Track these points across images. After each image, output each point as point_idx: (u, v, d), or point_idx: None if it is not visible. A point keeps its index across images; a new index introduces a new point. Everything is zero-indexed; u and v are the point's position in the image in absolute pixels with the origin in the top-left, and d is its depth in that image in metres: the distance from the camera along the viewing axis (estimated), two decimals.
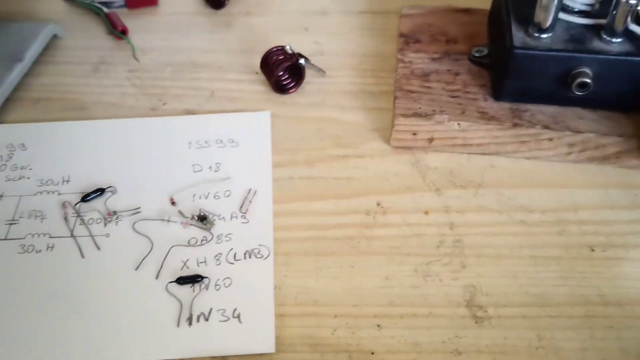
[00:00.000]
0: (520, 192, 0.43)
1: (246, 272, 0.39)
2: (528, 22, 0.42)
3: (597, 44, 0.41)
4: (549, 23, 0.41)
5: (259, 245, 0.40)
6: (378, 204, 0.42)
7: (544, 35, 0.42)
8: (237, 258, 0.39)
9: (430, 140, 0.44)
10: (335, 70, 0.51)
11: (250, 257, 0.39)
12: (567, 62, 0.41)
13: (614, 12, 0.40)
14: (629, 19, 0.40)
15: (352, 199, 0.43)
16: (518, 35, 0.42)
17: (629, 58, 0.41)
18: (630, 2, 0.40)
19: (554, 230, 0.41)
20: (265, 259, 0.39)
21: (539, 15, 0.41)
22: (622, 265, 0.39)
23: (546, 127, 0.43)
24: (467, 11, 0.52)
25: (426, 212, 0.42)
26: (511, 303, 0.37)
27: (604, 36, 0.41)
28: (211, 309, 0.37)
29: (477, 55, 0.47)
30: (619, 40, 0.41)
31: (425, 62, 0.47)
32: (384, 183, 0.44)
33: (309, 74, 0.51)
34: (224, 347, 0.35)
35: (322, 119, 0.48)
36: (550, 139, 0.43)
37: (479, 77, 0.46)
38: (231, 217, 0.41)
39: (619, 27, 0.41)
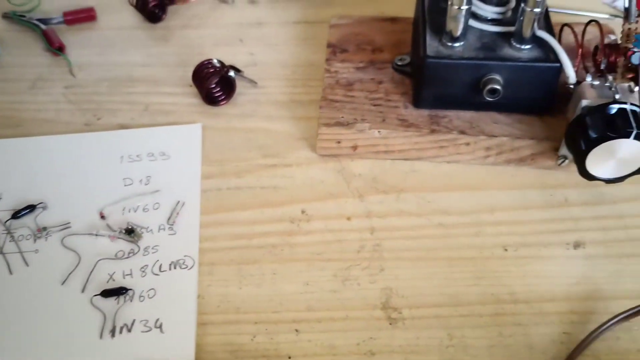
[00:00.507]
0: (439, 195, 0.44)
1: (170, 283, 0.40)
2: (442, 31, 0.44)
3: (507, 51, 0.43)
4: (459, 32, 0.43)
5: (185, 256, 0.41)
6: (303, 212, 0.44)
7: (457, 44, 0.43)
8: (162, 269, 0.40)
9: (354, 147, 0.46)
10: (268, 81, 0.53)
11: (175, 267, 0.41)
12: (478, 69, 0.43)
13: (521, 19, 0.42)
14: (535, 25, 0.42)
15: (278, 208, 0.44)
16: (432, 45, 0.44)
17: (537, 64, 0.42)
18: (534, 10, 0.41)
19: (470, 231, 0.42)
20: (189, 269, 0.40)
21: (449, 25, 0.43)
22: (533, 264, 0.41)
23: (462, 132, 0.44)
24: (393, 20, 0.53)
25: (349, 218, 0.43)
26: (425, 304, 0.39)
27: (514, 43, 0.43)
28: (134, 320, 0.38)
29: (399, 63, 0.49)
30: (528, 47, 0.43)
31: (351, 72, 0.49)
32: (309, 191, 0.45)
33: (241, 85, 0.52)
34: (145, 356, 0.36)
35: (252, 130, 0.49)
36: (467, 144, 0.45)
37: (401, 85, 0.48)
38: (159, 230, 0.43)
39: (526, 34, 0.42)
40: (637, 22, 0.39)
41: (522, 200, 0.44)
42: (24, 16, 0.58)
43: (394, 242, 0.42)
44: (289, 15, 0.59)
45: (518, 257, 0.41)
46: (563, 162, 0.44)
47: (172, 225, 0.43)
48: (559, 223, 0.43)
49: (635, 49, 0.39)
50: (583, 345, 0.36)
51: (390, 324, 0.38)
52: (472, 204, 0.44)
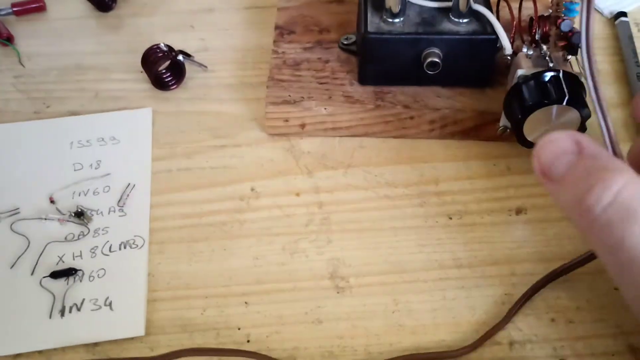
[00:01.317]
0: (386, 169, 0.45)
1: (120, 263, 0.40)
2: (382, 8, 0.45)
3: (445, 25, 0.44)
4: (398, 8, 0.44)
5: (135, 236, 0.42)
6: (252, 190, 0.44)
7: (397, 20, 0.44)
8: (112, 250, 0.41)
9: (303, 125, 0.47)
10: (218, 65, 0.53)
11: (125, 247, 0.41)
12: (418, 43, 0.44)
13: None
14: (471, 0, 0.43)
15: (227, 186, 0.45)
16: (373, 21, 0.45)
17: (474, 37, 0.44)
18: None
19: (415, 202, 0.43)
20: (140, 248, 0.41)
21: (388, 2, 0.44)
22: (477, 231, 0.42)
23: (406, 106, 0.45)
24: (340, 1, 0.54)
25: (297, 194, 0.44)
26: (371, 272, 0.40)
27: (452, 17, 0.44)
28: (84, 299, 0.38)
29: (345, 42, 0.49)
30: (465, 20, 0.44)
31: (298, 52, 0.50)
32: (258, 169, 0.46)
33: (192, 69, 0.52)
34: (95, 334, 0.37)
35: (202, 112, 0.50)
36: (412, 117, 0.46)
37: (347, 63, 0.49)
38: (109, 212, 0.43)
39: (463, 8, 0.44)
40: None
41: (466, 171, 0.45)
42: None
43: (342, 215, 0.43)
44: (240, 1, 0.60)
45: (462, 225, 0.42)
46: (504, 132, 0.45)
47: (122, 207, 0.43)
48: (501, 191, 0.44)
49: (565, 17, 0.40)
50: (521, 301, 0.37)
51: (338, 292, 0.39)
52: (417, 176, 0.45)
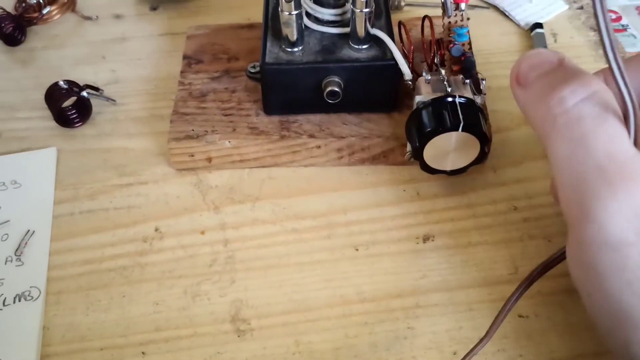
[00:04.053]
0: (294, 200, 0.44)
1: (14, 317, 0.39)
2: (281, 37, 0.44)
3: (346, 52, 0.43)
4: (295, 37, 0.43)
5: (30, 287, 0.40)
6: (156, 230, 0.43)
7: (296, 49, 0.43)
8: (6, 303, 0.39)
9: (209, 159, 0.46)
10: (128, 98, 0.52)
11: (20, 300, 0.39)
12: (317, 72, 0.43)
13: (354, 19, 0.42)
14: (368, 25, 0.42)
15: (130, 228, 0.43)
16: (272, 51, 0.44)
17: (374, 63, 0.43)
18: (363, 10, 0.41)
19: (323, 234, 0.42)
20: (34, 300, 0.39)
21: (285, 30, 0.43)
22: (383, 261, 0.41)
23: (312, 135, 0.44)
24: (250, 26, 0.53)
25: (202, 232, 0.43)
26: (274, 312, 0.39)
27: (352, 44, 0.43)
28: None
29: (252, 70, 0.48)
30: (365, 46, 0.43)
31: (205, 83, 0.49)
32: (164, 207, 0.44)
33: (100, 104, 0.51)
34: None
35: (109, 149, 0.48)
36: (319, 147, 0.45)
37: (254, 92, 0.47)
38: (6, 262, 0.41)
39: (361, 33, 0.43)
40: (455, 15, 0.40)
41: (375, 198, 0.44)
42: None
43: (247, 252, 0.42)
44: (154, 28, 0.58)
45: (368, 256, 0.41)
46: (411, 157, 0.44)
47: (19, 256, 0.42)
48: (410, 217, 0.43)
49: (456, 42, 0.40)
50: (502, 314, 0.34)
51: (239, 336, 0.38)
52: (325, 206, 0.44)
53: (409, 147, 0.44)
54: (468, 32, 0.41)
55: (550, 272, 0.38)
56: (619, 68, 0.27)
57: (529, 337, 0.37)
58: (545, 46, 0.54)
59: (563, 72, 0.30)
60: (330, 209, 0.44)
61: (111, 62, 0.55)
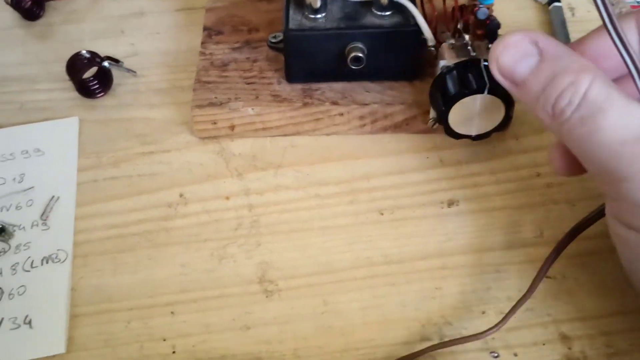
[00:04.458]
0: (317, 167, 0.44)
1: (42, 278, 0.39)
2: (304, 4, 0.44)
3: (368, 19, 0.44)
4: (319, 4, 0.43)
5: (57, 250, 0.40)
6: (180, 195, 0.43)
7: (319, 16, 0.44)
8: (34, 265, 0.40)
9: (232, 127, 0.46)
10: (148, 70, 0.52)
11: (47, 262, 0.40)
12: (341, 38, 0.43)
13: None
14: None
15: (155, 194, 0.43)
16: (295, 18, 0.44)
17: (396, 29, 0.43)
18: None
19: (346, 200, 0.43)
20: (62, 262, 0.40)
21: None
22: (408, 225, 0.41)
23: (334, 103, 0.45)
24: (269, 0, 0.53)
25: (227, 198, 0.43)
26: (300, 274, 0.39)
27: (375, 11, 0.44)
28: (2, 318, 0.37)
29: (273, 40, 0.48)
30: (388, 13, 0.44)
31: (226, 53, 0.49)
32: (187, 174, 0.44)
33: (121, 75, 0.51)
34: (14, 354, 0.36)
35: (130, 119, 0.48)
36: (341, 114, 0.45)
37: (275, 62, 0.48)
38: (32, 226, 0.42)
39: (384, 1, 0.43)
40: None
41: (398, 165, 0.44)
42: None
43: (271, 216, 0.42)
44: (171, 4, 0.58)
45: (393, 220, 0.41)
46: (434, 124, 0.44)
47: (45, 220, 0.42)
48: (433, 184, 0.43)
49: (481, 5, 0.40)
50: (545, 266, 0.36)
51: (267, 297, 0.38)
52: (348, 173, 0.44)
53: (432, 114, 0.44)
54: None
55: None
56: (616, 30, 0.28)
57: (556, 297, 0.37)
58: (563, 20, 0.54)
59: (551, 72, 0.30)
60: (353, 176, 0.44)
61: (130, 36, 0.55)
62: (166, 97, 0.50)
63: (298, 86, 0.46)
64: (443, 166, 0.44)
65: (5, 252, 0.40)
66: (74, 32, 0.56)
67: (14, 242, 0.41)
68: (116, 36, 0.56)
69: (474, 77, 0.39)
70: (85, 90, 0.49)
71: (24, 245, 0.41)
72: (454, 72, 0.40)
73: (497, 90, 0.39)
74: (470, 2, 0.41)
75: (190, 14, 0.57)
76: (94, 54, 0.49)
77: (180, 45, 0.54)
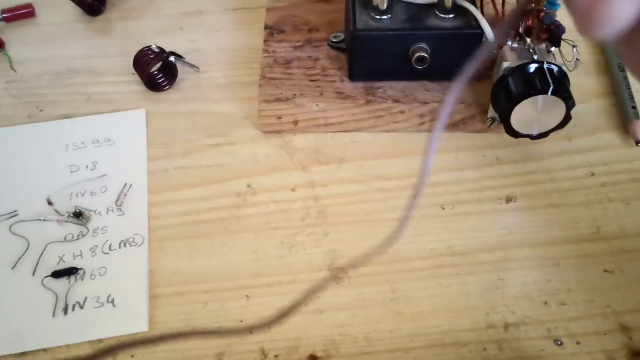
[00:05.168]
0: (378, 162, 0.46)
1: (121, 260, 0.41)
2: (370, 6, 0.46)
3: (432, 20, 0.45)
4: (385, 5, 0.45)
5: (134, 234, 0.42)
6: (248, 186, 0.45)
7: (384, 17, 0.45)
8: (112, 248, 0.41)
9: (295, 122, 0.47)
10: (209, 66, 0.54)
11: (125, 246, 0.41)
12: (406, 39, 0.45)
13: None
14: None
15: (224, 184, 0.45)
16: (362, 19, 0.46)
17: (460, 31, 0.45)
18: None
19: (408, 194, 0.44)
20: (139, 246, 0.41)
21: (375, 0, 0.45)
22: (469, 219, 0.43)
23: (396, 100, 0.46)
24: (327, 1, 0.55)
25: (293, 189, 0.45)
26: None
27: (438, 13, 0.46)
28: (86, 297, 0.39)
29: (334, 40, 0.50)
30: (451, 16, 0.45)
31: (288, 51, 0.51)
32: (253, 166, 0.46)
33: (183, 70, 0.53)
34: (99, 331, 0.37)
35: (195, 112, 0.50)
36: (402, 112, 0.47)
37: (337, 60, 0.49)
38: (107, 211, 0.43)
39: (448, 4, 0.45)
40: None
41: (456, 162, 0.46)
42: None
43: (337, 208, 0.44)
44: (228, 3, 0.60)
45: (454, 214, 0.43)
46: (492, 123, 0.46)
47: (120, 206, 0.44)
48: (491, 180, 0.45)
49: (547, 10, 0.42)
50: None
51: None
52: (409, 168, 0.46)
53: (490, 114, 0.46)
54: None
55: (631, 232, 0.40)
56: None
57: (615, 290, 0.39)
58: None
59: None
60: (413, 171, 0.46)
61: (189, 33, 0.57)
62: (227, 92, 0.52)
63: (360, 84, 0.48)
64: (499, 164, 0.46)
65: (83, 235, 0.42)
66: (133, 28, 0.58)
67: (91, 225, 0.42)
68: (176, 33, 0.57)
69: (538, 78, 0.41)
70: (152, 83, 0.51)
71: (101, 229, 0.42)
72: (518, 73, 0.42)
73: (561, 92, 0.41)
74: (535, 7, 0.42)
75: (247, 13, 0.59)
76: (161, 49, 0.51)
77: (238, 43, 0.56)
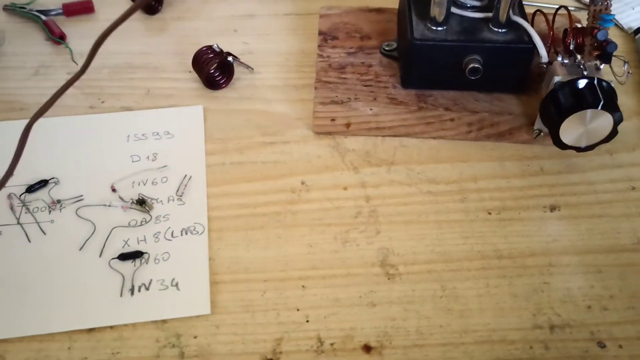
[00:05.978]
0: (427, 167, 0.48)
1: (183, 247, 0.43)
2: (427, 17, 0.48)
3: (486, 34, 0.48)
4: (442, 17, 0.47)
5: (195, 223, 0.44)
6: (302, 183, 0.47)
7: (440, 28, 0.48)
8: (174, 235, 0.43)
9: (348, 125, 0.50)
10: (263, 67, 0.56)
11: (186, 233, 0.43)
12: (460, 50, 0.47)
13: (498, 6, 0.46)
14: (510, 11, 0.47)
15: (279, 180, 0.47)
16: (418, 29, 0.48)
17: (513, 45, 0.47)
18: None
19: (456, 198, 0.46)
20: (200, 234, 0.43)
21: (434, 11, 0.47)
22: (514, 225, 0.45)
23: (447, 109, 0.48)
24: (379, 10, 0.57)
25: (345, 188, 0.47)
26: (419, 261, 0.43)
27: (492, 27, 0.48)
28: (151, 280, 0.41)
29: (387, 48, 0.53)
30: (504, 30, 0.48)
31: (342, 57, 0.53)
32: (307, 165, 0.48)
33: (238, 70, 0.55)
34: (164, 312, 0.39)
35: (250, 111, 0.52)
36: (452, 120, 0.49)
37: (389, 68, 0.52)
38: (168, 200, 0.45)
39: (502, 19, 0.47)
40: (601, 4, 0.44)
41: (502, 171, 0.48)
42: (24, 8, 0.60)
43: (388, 208, 0.46)
44: (278, 8, 0.63)
45: (500, 220, 0.45)
46: (538, 135, 0.48)
47: (180, 196, 0.46)
48: (535, 189, 0.47)
49: (601, 27, 0.44)
50: None
51: (389, 278, 0.42)
52: (456, 174, 0.48)
53: (536, 125, 0.48)
54: (614, 19, 0.45)
55: None
56: None
57: None
58: None
59: None
60: (460, 176, 0.48)
61: (242, 35, 0.60)
62: (280, 93, 0.54)
63: (412, 91, 0.50)
64: (544, 174, 0.48)
65: (146, 221, 0.44)
66: (188, 28, 0.61)
67: (153, 213, 0.44)
68: (229, 35, 0.60)
69: (589, 92, 0.43)
70: (210, 81, 0.53)
71: (163, 217, 0.44)
72: (568, 87, 0.44)
73: (611, 106, 0.43)
74: (589, 25, 0.44)
75: (297, 18, 0.62)
76: (220, 49, 0.54)
77: (291, 47, 0.58)
